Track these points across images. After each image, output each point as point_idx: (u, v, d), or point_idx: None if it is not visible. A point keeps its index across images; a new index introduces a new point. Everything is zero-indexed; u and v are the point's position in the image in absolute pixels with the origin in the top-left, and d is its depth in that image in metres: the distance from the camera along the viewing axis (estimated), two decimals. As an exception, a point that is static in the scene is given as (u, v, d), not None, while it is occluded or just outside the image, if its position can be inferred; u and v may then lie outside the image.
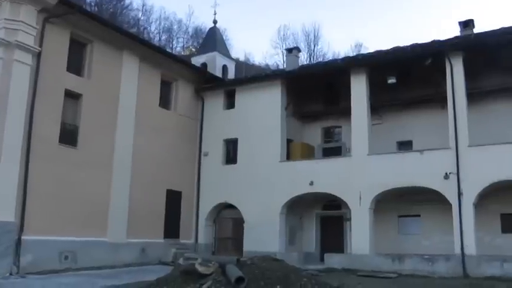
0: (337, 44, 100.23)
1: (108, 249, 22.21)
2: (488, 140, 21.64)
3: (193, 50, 58.66)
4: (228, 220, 27.81)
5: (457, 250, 20.91)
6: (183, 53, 60.91)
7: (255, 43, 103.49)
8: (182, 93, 28.30)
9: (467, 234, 20.86)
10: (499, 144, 21.16)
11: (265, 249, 22.32)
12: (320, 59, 64.46)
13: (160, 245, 25.15)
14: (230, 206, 27.31)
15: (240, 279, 10.14)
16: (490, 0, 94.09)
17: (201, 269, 10.70)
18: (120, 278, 17.50)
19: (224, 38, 50.14)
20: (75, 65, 22.40)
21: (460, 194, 21.26)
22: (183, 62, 30.79)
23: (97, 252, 21.54)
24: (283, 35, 75.58)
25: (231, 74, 36.29)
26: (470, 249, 20.69)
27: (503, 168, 20.58)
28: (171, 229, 26.34)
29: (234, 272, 10.40)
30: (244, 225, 26.26)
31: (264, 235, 25.00)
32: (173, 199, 26.70)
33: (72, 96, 21.84)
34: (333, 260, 23.46)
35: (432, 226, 23.71)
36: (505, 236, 22.36)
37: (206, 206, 27.81)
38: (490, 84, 23.70)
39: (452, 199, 21.42)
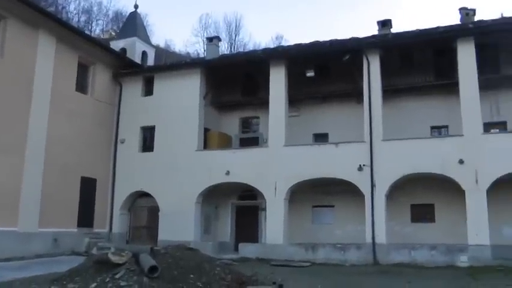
0: (259, 35, 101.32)
1: (18, 239, 21.20)
2: (400, 135, 22.61)
3: (113, 34, 57.39)
4: (144, 209, 27.46)
5: (368, 239, 21.73)
6: (102, 37, 59.32)
7: (176, 30, 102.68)
8: (100, 77, 27.59)
9: (379, 224, 21.74)
10: (410, 139, 22.24)
11: (180, 238, 22.27)
12: (241, 49, 64.99)
13: (74, 235, 24.46)
14: (146, 195, 26.96)
15: (153, 269, 10.07)
16: (409, 1, 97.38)
17: (114, 258, 10.55)
18: (30, 269, 16.88)
19: (145, 23, 49.44)
20: (-14, 42, 21.31)
21: (373, 185, 22.10)
22: (101, 45, 29.85)
23: (6, 242, 20.46)
24: (205, 23, 75.53)
25: (150, 61, 35.89)
26: (381, 238, 21.59)
27: (414, 162, 21.62)
28: (85, 218, 25.63)
29: (147, 261, 10.32)
30: (160, 214, 26.06)
31: (179, 224, 24.92)
32: (87, 187, 26.01)
33: (-18, 75, 20.82)
34: (247, 250, 23.75)
35: (345, 216, 24.39)
36: (414, 225, 23.46)
37: (121, 194, 27.32)
38: (403, 83, 24.64)
39: (365, 190, 22.22)
